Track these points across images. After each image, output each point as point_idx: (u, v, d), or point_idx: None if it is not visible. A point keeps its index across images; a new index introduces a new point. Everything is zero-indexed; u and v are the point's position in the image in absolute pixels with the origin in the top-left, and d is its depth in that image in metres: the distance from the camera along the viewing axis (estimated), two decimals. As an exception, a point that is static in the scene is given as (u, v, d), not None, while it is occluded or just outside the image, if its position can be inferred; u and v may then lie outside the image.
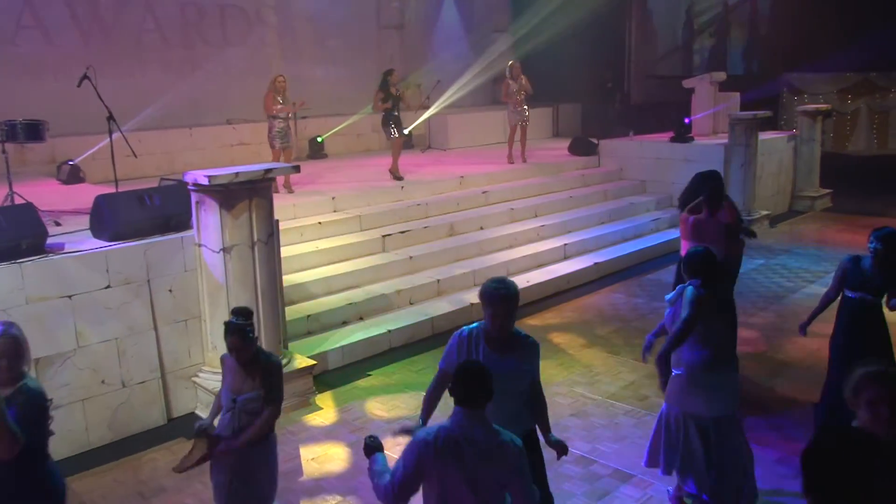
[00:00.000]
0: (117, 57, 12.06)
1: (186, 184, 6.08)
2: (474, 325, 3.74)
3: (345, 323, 7.64)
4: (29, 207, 5.57)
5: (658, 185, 12.49)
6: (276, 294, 6.26)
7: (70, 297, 5.45)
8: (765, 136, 12.60)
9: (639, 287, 9.16)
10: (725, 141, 11.94)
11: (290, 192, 9.87)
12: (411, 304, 8.22)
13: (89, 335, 5.57)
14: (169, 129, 12.54)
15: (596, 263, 9.71)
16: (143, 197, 5.92)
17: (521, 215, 10.64)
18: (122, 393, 5.77)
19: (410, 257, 8.80)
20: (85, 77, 6.78)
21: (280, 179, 10.15)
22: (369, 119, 15.02)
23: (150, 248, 5.79)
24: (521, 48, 18.17)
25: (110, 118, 6.82)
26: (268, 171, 5.89)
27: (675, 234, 11.10)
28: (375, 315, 7.86)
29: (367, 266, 8.47)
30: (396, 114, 10.91)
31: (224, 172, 5.66)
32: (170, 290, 5.94)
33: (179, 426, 5.96)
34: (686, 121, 12.44)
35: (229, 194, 5.78)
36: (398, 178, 10.82)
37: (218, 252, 5.86)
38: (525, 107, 12.26)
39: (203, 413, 6.07)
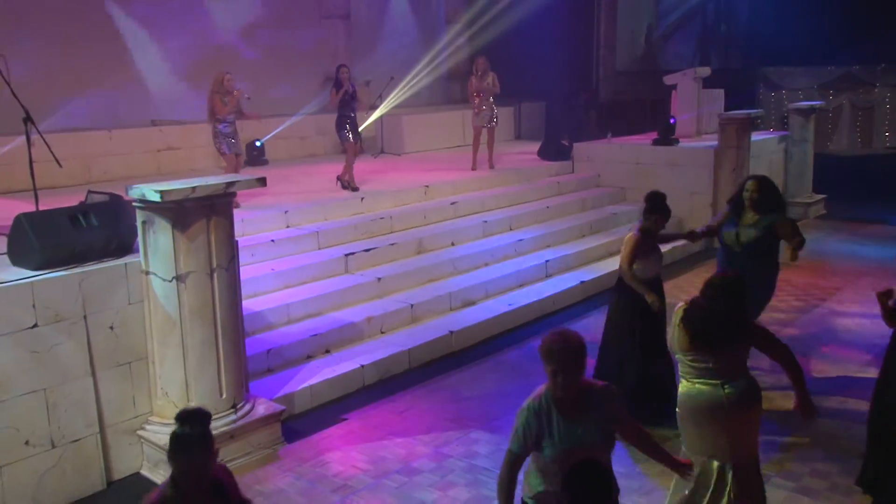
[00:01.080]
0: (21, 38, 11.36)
1: (124, 199, 5.63)
2: (537, 394, 3.45)
3: (309, 357, 7.22)
4: None
5: (639, 193, 12.04)
6: (239, 329, 5.81)
7: (-12, 340, 4.90)
8: (754, 136, 12.66)
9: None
10: (714, 143, 11.93)
11: (236, 206, 9.36)
12: (383, 332, 7.86)
13: (10, 386, 5.02)
14: (83, 130, 11.88)
15: (582, 282, 9.51)
16: (77, 216, 5.39)
17: (495, 228, 10.39)
18: (51, 455, 5.23)
19: (378, 279, 8.43)
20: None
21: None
22: (313, 120, 14.61)
23: (86, 277, 5.28)
24: (476, 40, 18.06)
25: (27, 120, 6.25)
26: (230, 184, 5.45)
27: (664, 247, 11.00)
28: (344, 347, 7.48)
29: (330, 290, 8.07)
30: (353, 115, 10.54)
31: (178, 186, 5.20)
32: (111, 328, 5.43)
33: (122, 491, 5.45)
34: (672, 120, 12.39)
35: (184, 213, 5.33)
36: (353, 188, 10.45)
37: (170, 281, 5.40)
38: (493, 108, 12.02)
39: (150, 474, 5.57)
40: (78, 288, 5.24)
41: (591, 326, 8.41)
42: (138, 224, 5.47)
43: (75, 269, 5.29)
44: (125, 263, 5.47)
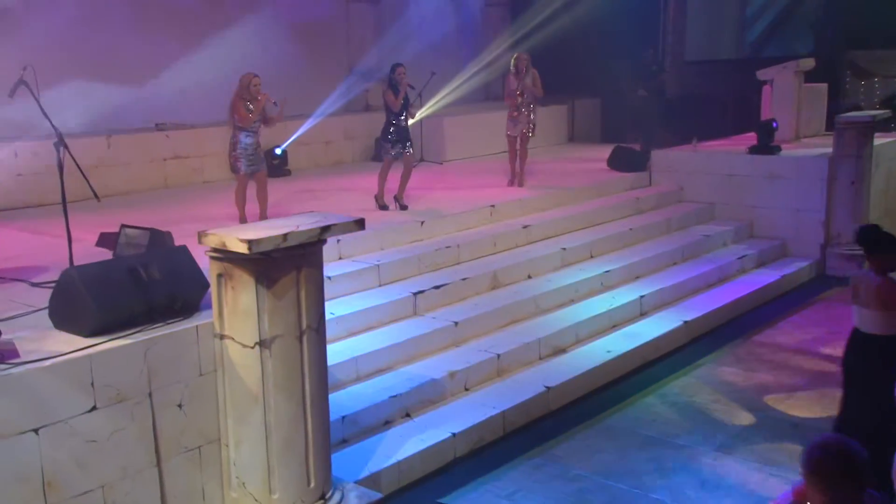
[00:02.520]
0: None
1: (164, 235, 5.29)
2: None
3: (388, 423, 6.84)
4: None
5: (732, 210, 12.05)
6: (325, 403, 5.42)
7: (36, 430, 4.51)
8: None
9: (753, 357, 8.59)
10: (827, 151, 11.57)
11: None
12: (467, 389, 7.49)
13: (64, 486, 4.63)
14: (77, 136, 11.47)
15: (685, 322, 9.14)
16: (137, 269, 5.00)
17: (574, 257, 10.02)
18: (110, 562, 4.84)
19: (455, 323, 8.05)
20: (21, 82, 5.81)
21: (253, 212, 9.33)
22: (337, 122, 14.27)
23: (152, 345, 4.89)
24: (522, 27, 17.69)
25: (60, 144, 5.87)
26: (325, 229, 5.07)
27: (770, 275, 10.71)
28: (426, 409, 7.11)
29: (401, 338, 7.69)
30: (404, 122, 10.16)
31: (267, 234, 4.81)
32: (179, 406, 5.04)
33: None
34: (774, 124, 12.01)
35: (271, 265, 4.94)
36: (385, 206, 10.22)
37: (252, 347, 5.01)
38: (531, 114, 11.56)
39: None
40: (143, 359, 4.85)
41: (709, 379, 8.08)
42: (212, 278, 5.09)
43: (138, 334, 4.90)
44: (196, 326, 5.09)
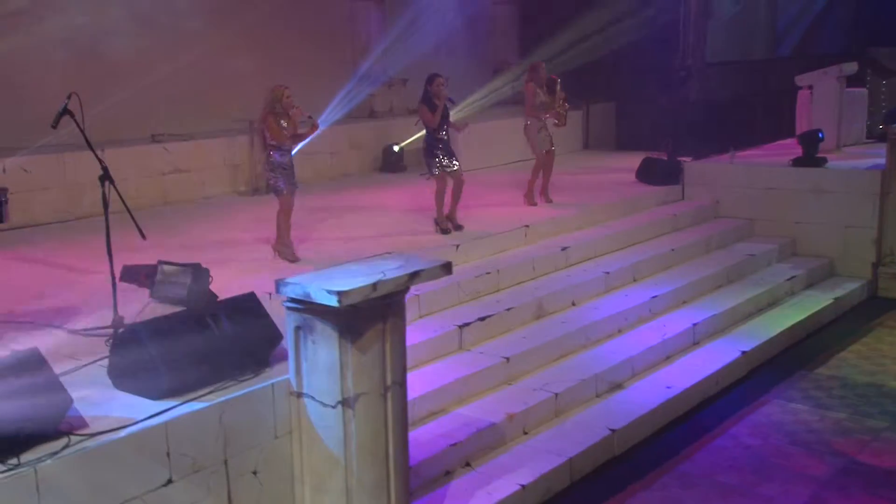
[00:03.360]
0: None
1: (203, 270, 5.14)
2: None
3: (449, 474, 6.72)
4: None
5: (773, 226, 12.04)
6: (407, 464, 5.29)
7: (111, 509, 4.35)
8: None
9: (823, 392, 8.55)
10: (876, 162, 11.59)
11: (295, 260, 8.84)
12: (526, 433, 7.40)
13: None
14: (68, 150, 11.26)
15: (744, 353, 9.09)
16: (206, 321, 4.85)
17: (618, 281, 9.96)
18: None
19: (506, 359, 7.94)
20: (65, 112, 5.64)
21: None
22: (342, 131, 14.13)
23: (227, 408, 4.75)
24: (532, 24, 17.66)
25: (105, 178, 5.69)
26: (413, 275, 4.94)
27: (821, 298, 10.70)
28: (486, 457, 6.99)
29: (450, 377, 7.57)
30: (446, 136, 10.03)
31: (355, 285, 4.67)
32: (254, 473, 4.89)
33: None
34: (819, 135, 12.00)
35: (357, 316, 4.82)
36: (445, 228, 10.01)
37: (333, 407, 4.89)
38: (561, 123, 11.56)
39: None
40: (218, 423, 4.71)
41: (779, 417, 8.01)
42: (289, 330, 4.94)
43: (211, 396, 4.75)
44: (272, 385, 4.94)
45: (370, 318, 4.88)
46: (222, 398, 4.75)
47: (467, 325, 8.25)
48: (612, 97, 17.19)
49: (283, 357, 5.28)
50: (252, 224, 10.50)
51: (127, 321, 5.78)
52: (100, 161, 5.81)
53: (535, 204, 11.46)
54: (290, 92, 8.80)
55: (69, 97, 5.60)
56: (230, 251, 9.15)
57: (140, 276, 7.12)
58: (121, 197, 5.84)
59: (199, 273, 6.33)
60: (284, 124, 8.75)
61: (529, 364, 8.15)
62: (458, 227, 10.12)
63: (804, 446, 7.43)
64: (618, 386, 8.27)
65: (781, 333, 9.67)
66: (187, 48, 13.00)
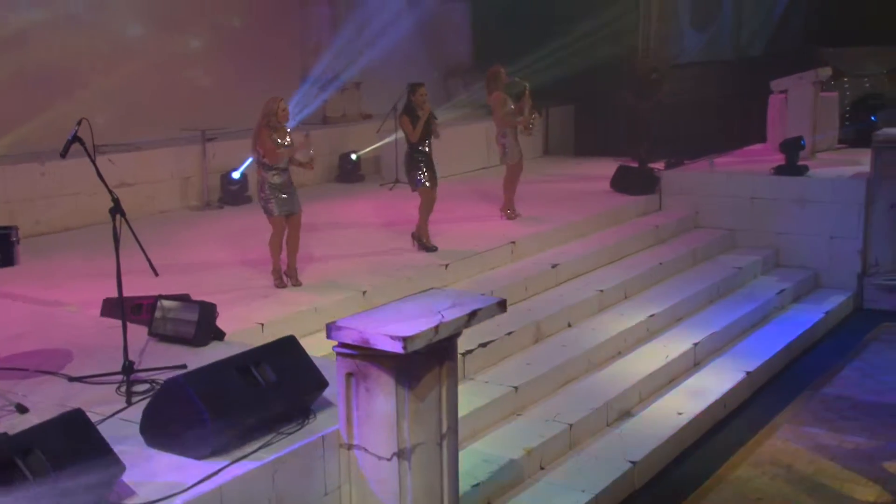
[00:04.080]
0: None
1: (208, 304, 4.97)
2: None
3: (470, 516, 6.63)
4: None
5: (755, 237, 12.25)
6: (459, 513, 5.21)
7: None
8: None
9: (835, 414, 8.69)
10: (857, 169, 11.87)
11: (297, 283, 8.68)
12: (542, 468, 7.35)
13: None
14: (4, 163, 10.92)
15: (748, 373, 9.20)
16: (249, 370, 4.68)
17: (612, 299, 10.03)
18: None
19: (514, 388, 7.90)
20: (75, 139, 5.40)
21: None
22: (295, 139, 13.86)
23: (280, 465, 4.58)
24: (483, 24, 17.67)
25: (117, 211, 5.46)
26: (472, 315, 4.85)
27: (812, 312, 10.91)
28: (506, 496, 6.92)
29: (462, 410, 7.43)
30: (428, 150, 9.93)
31: (419, 329, 4.55)
32: (304, 533, 4.74)
33: None
34: (802, 142, 12.24)
35: (415, 361, 4.70)
36: (429, 247, 9.91)
37: (388, 459, 4.76)
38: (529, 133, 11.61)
39: None
40: (271, 483, 4.55)
41: (797, 442, 8.11)
42: (339, 377, 4.80)
43: (262, 452, 4.58)
44: (322, 437, 4.79)
45: (428, 362, 4.77)
46: (273, 455, 4.57)
47: (470, 352, 8.18)
48: (569, 100, 17.29)
49: (323, 405, 5.15)
50: (219, 243, 10.30)
51: (137, 366, 5.55)
52: (110, 192, 5.57)
53: (513, 217, 11.45)
54: (286, 106, 8.62)
55: (79, 123, 5.35)
56: (204, 276, 8.94)
57: (114, 310, 6.89)
58: (132, 232, 5.60)
59: (206, 309, 6.12)
60: (279, 140, 8.55)
61: (537, 393, 8.13)
62: (432, 248, 10.04)
63: (833, 476, 7.51)
64: (627, 413, 8.29)
65: (781, 352, 9.82)
66: (131, 55, 12.73)
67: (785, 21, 21.58)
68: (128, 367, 5.44)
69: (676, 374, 9.11)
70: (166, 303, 6.23)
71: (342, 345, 4.73)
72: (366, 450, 4.80)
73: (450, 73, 17.79)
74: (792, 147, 12.24)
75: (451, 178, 14.31)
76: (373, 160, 14.90)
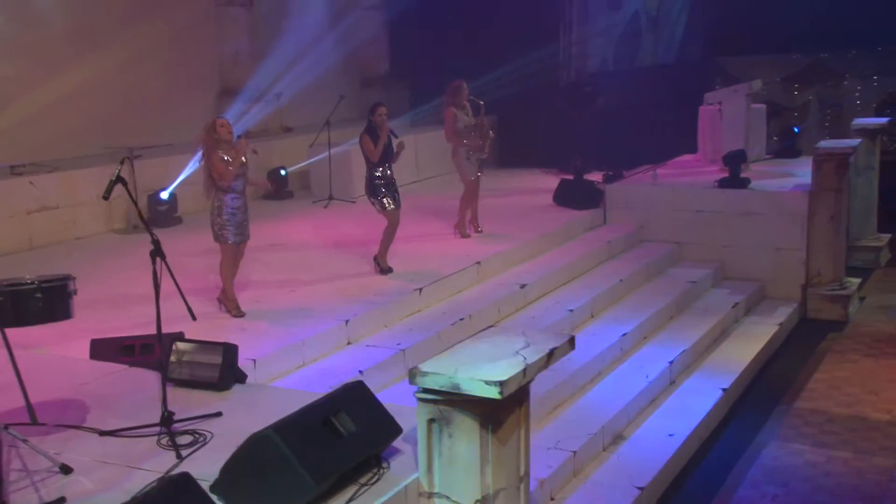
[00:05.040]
0: None
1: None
2: None
3: (497, 555, 6.64)
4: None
5: (700, 250, 12.60)
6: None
7: None
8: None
9: (814, 428, 9.03)
10: (798, 181, 12.37)
11: (239, 315, 8.49)
12: (553, 499, 7.42)
13: None
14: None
15: (724, 390, 9.48)
16: (331, 420, 4.61)
17: (579, 318, 10.20)
18: None
19: (512, 418, 7.94)
20: (118, 180, 5.16)
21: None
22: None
23: (370, 520, 4.52)
24: (403, 33, 17.70)
25: (157, 254, 5.27)
26: (551, 354, 4.89)
27: (766, 325, 11.31)
28: (526, 531, 6.95)
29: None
30: (389, 172, 9.91)
31: (511, 373, 4.57)
32: (390, 588, 4.69)
33: None
34: (744, 155, 12.70)
35: (499, 405, 4.70)
36: (385, 269, 9.89)
37: (472, 507, 4.75)
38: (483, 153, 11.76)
39: None
40: (362, 538, 4.48)
41: (786, 461, 8.41)
42: (420, 424, 4.77)
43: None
44: (405, 487, 4.75)
45: (510, 405, 4.79)
46: (365, 507, 4.53)
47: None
48: (490, 111, 17.43)
49: (391, 452, 5.11)
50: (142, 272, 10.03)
51: (176, 417, 5.38)
52: (151, 235, 5.37)
53: (468, 236, 11.54)
54: (227, 122, 8.50)
55: (122, 163, 5.12)
56: (149, 308, 8.68)
57: (111, 353, 6.68)
58: (172, 276, 5.40)
59: (229, 351, 5.97)
60: (227, 158, 8.37)
61: (534, 420, 8.17)
62: (388, 270, 10.06)
63: (829, 493, 7.85)
64: (620, 437, 8.44)
65: (749, 366, 10.16)
66: (49, 71, 12.28)
67: (689, 30, 22.30)
68: (167, 418, 5.27)
69: (656, 393, 9.30)
70: (182, 345, 6.05)
71: (424, 390, 4.69)
72: (448, 498, 4.78)
73: (366, 82, 17.74)
74: (735, 160, 12.67)
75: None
76: (299, 176, 14.75)
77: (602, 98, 15.68)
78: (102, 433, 5.41)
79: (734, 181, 12.58)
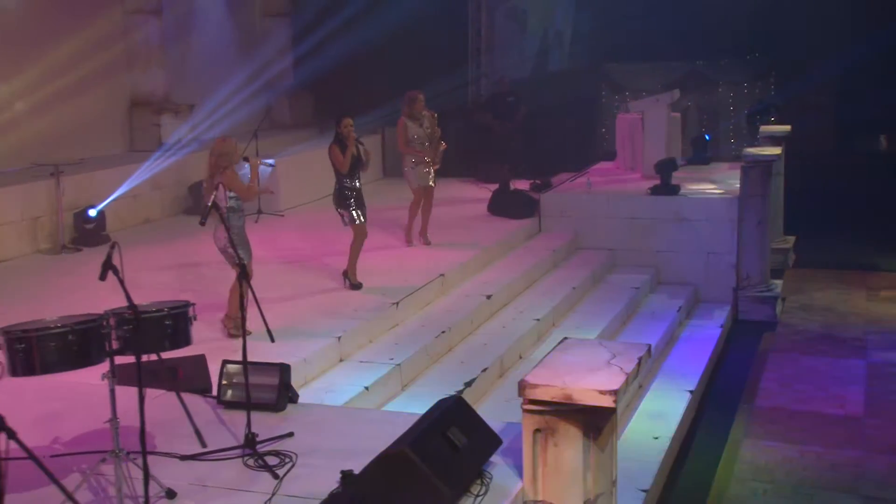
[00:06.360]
0: None
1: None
2: None
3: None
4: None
5: (634, 256, 13.27)
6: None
7: None
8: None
9: (780, 426, 9.71)
10: (730, 189, 13.19)
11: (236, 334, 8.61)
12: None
13: None
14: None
15: (691, 392, 10.08)
16: (447, 435, 4.91)
17: (545, 327, 10.68)
18: None
19: (513, 427, 8.35)
20: (109, 266, 4.98)
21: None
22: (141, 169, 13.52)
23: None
24: (309, 43, 17.84)
25: (243, 275, 5.42)
26: (639, 362, 5.31)
27: (709, 328, 12.02)
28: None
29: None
30: (358, 184, 10.14)
31: (620, 382, 4.97)
32: None
33: None
34: (679, 161, 13.42)
35: (600, 413, 5.10)
36: (356, 285, 10.13)
37: (576, 513, 5.13)
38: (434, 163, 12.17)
39: None
40: (486, 549, 4.80)
41: (765, 458, 9.06)
42: (525, 434, 5.11)
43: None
44: (514, 497, 5.08)
45: (608, 413, 5.18)
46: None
47: (460, 392, 8.52)
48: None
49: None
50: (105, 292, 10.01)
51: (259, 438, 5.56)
52: (239, 259, 5.51)
53: (411, 244, 11.91)
54: (234, 141, 8.62)
55: (112, 247, 4.94)
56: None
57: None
58: (254, 297, 5.55)
59: (284, 371, 6.17)
60: (243, 177, 8.56)
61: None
62: (357, 286, 10.26)
63: (812, 485, 8.53)
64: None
65: (706, 369, 10.83)
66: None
67: (577, 37, 23.14)
68: (251, 440, 5.45)
69: (630, 398, 9.85)
70: (232, 367, 6.19)
71: (530, 401, 5.04)
72: (556, 506, 5.14)
73: (272, 90, 17.81)
74: (666, 168, 13.41)
75: (315, 204, 14.51)
76: (222, 189, 14.71)
77: (524, 107, 16.23)
78: (184, 457, 5.53)
79: (666, 188, 13.31)
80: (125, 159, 14.17)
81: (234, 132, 14.38)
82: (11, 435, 4.02)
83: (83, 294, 9.78)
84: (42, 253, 12.01)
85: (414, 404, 8.19)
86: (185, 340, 5.24)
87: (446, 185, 16.01)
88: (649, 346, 5.68)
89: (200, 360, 6.83)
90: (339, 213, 10.24)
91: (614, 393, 4.90)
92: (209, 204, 6.04)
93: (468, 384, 8.73)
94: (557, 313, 11.04)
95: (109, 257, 4.97)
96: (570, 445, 5.10)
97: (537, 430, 5.12)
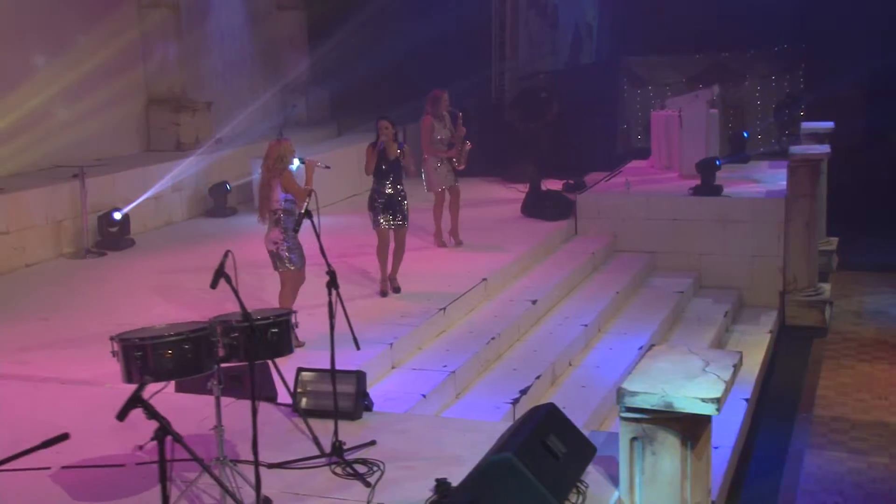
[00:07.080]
0: None
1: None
2: None
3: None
4: None
5: (675, 259, 13.42)
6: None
7: None
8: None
9: (843, 435, 9.86)
10: (774, 188, 13.30)
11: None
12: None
13: None
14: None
15: (747, 400, 10.20)
16: (547, 443, 5.10)
17: (592, 333, 10.84)
18: None
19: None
20: (222, 274, 5.17)
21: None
22: (157, 170, 13.67)
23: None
24: (320, 35, 18.05)
25: (333, 284, 5.59)
26: (734, 370, 5.51)
27: (757, 334, 12.17)
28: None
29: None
30: (392, 190, 10.28)
31: (721, 390, 5.16)
32: None
33: None
34: (717, 162, 13.60)
35: (697, 420, 5.29)
36: (384, 292, 10.37)
37: (671, 525, 5.31)
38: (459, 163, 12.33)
39: None
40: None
41: (832, 468, 9.26)
42: (622, 442, 5.30)
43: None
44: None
45: (704, 420, 5.37)
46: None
47: (516, 400, 8.73)
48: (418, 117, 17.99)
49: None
50: (140, 297, 10.21)
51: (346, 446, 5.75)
52: (328, 265, 5.68)
53: (444, 245, 12.08)
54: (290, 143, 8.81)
55: (226, 255, 5.15)
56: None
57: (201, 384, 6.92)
58: (342, 304, 5.74)
59: (361, 378, 6.35)
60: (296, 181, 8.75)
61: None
62: (397, 289, 10.42)
63: (883, 498, 8.71)
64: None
65: (759, 376, 11.02)
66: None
67: (602, 31, 23.38)
68: (339, 449, 5.64)
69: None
70: (307, 375, 6.37)
71: (629, 409, 5.22)
72: (650, 516, 5.32)
73: (287, 88, 18.01)
74: (708, 167, 13.59)
75: (336, 206, 14.67)
76: (237, 190, 14.89)
77: (556, 105, 16.41)
78: (271, 466, 5.71)
79: (708, 188, 13.48)
80: (144, 159, 14.33)
81: (253, 132, 14.69)
82: (178, 439, 4.20)
83: (123, 301, 10.05)
84: (66, 257, 12.15)
85: (471, 412, 8.40)
86: (288, 348, 5.42)
87: (471, 184, 16.15)
88: (741, 353, 5.86)
89: (264, 368, 6.97)
90: (370, 214, 10.37)
91: (717, 401, 5.08)
92: (302, 211, 6.19)
93: (524, 392, 8.90)
94: (603, 319, 11.19)
95: (222, 265, 5.16)
96: (668, 454, 5.26)
97: (634, 439, 5.30)
